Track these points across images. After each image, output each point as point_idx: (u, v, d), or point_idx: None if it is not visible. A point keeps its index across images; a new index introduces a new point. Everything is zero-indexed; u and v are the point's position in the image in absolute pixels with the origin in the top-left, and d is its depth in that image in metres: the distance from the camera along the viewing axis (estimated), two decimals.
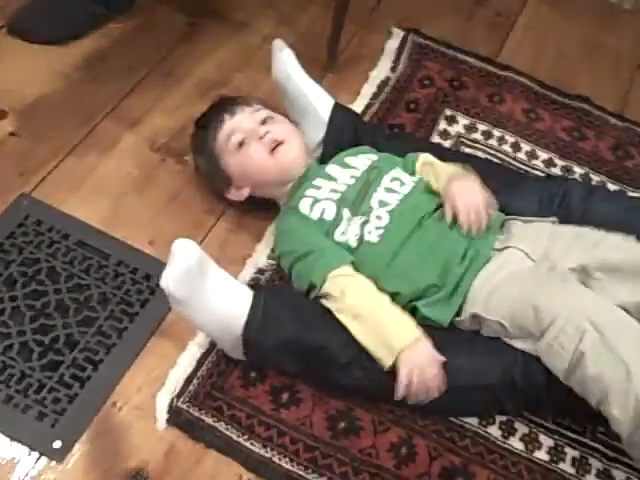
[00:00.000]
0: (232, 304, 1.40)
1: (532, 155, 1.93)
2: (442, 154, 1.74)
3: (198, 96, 1.94)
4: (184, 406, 1.42)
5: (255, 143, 1.61)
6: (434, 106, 2.00)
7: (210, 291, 1.38)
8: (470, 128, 1.97)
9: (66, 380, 1.43)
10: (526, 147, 1.95)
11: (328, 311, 1.44)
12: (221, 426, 1.40)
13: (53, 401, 1.40)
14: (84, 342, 1.48)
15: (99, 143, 1.81)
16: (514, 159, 1.91)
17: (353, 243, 1.53)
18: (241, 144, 1.61)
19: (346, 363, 1.40)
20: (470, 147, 1.92)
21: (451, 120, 1.98)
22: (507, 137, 1.96)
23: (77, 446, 1.37)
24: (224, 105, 1.68)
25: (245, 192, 1.66)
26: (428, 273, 1.48)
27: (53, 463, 1.35)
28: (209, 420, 1.41)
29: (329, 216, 1.55)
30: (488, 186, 1.57)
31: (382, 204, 1.55)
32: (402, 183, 1.60)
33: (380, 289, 1.48)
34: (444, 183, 1.57)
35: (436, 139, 1.93)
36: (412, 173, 1.66)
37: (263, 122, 1.64)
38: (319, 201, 1.57)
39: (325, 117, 1.75)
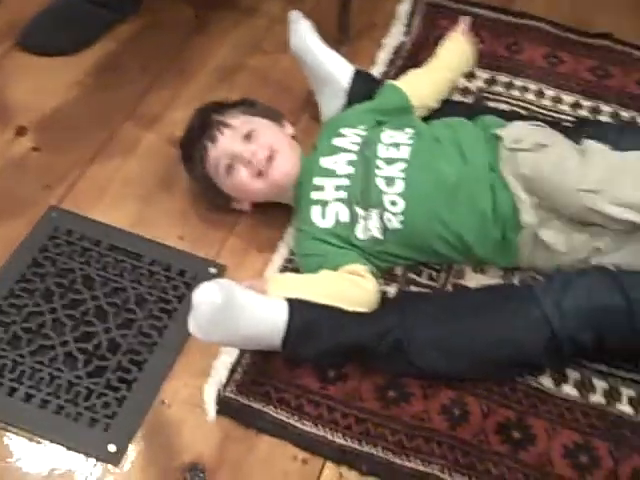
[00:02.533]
0: (267, 325, 1.38)
1: (557, 100, 1.90)
2: (466, 111, 1.72)
3: (213, 87, 1.95)
4: (232, 395, 1.42)
5: (243, 168, 1.56)
6: None
7: (242, 321, 1.35)
8: (491, 81, 1.94)
9: (113, 384, 1.44)
10: (550, 92, 1.91)
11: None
12: (270, 410, 1.40)
13: (103, 406, 1.41)
14: (126, 344, 1.48)
15: (120, 146, 1.82)
16: (539, 107, 1.87)
17: (379, 235, 1.51)
18: (229, 168, 1.57)
19: (386, 353, 1.40)
20: (493, 100, 1.90)
21: (470, 76, 1.94)
22: (530, 85, 1.93)
23: (131, 447, 1.38)
24: (204, 128, 1.60)
25: (246, 205, 1.64)
26: (467, 219, 1.49)
27: (110, 467, 1.36)
28: (258, 406, 1.40)
29: (344, 218, 1.53)
30: None
31: (389, 183, 1.51)
32: (397, 146, 1.56)
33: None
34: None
35: (457, 97, 1.90)
36: (404, 117, 1.65)
37: (247, 137, 1.57)
38: (328, 204, 1.54)
39: (345, 84, 1.74)
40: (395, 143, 1.56)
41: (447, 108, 1.77)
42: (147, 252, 1.61)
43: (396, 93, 1.71)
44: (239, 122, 1.60)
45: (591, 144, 1.49)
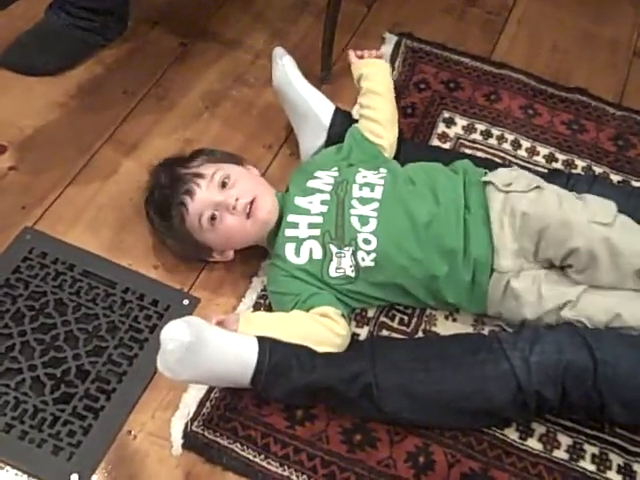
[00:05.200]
0: (236, 364, 1.38)
1: (533, 151, 1.92)
2: (443, 156, 1.75)
3: (193, 117, 1.95)
4: (199, 429, 1.41)
5: (228, 215, 1.54)
6: (431, 109, 2.00)
7: (211, 360, 1.35)
8: (469, 129, 1.96)
9: (79, 412, 1.43)
10: (526, 144, 1.94)
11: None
12: (237, 447, 1.40)
13: (68, 434, 1.40)
14: (95, 372, 1.48)
15: (99, 171, 1.81)
16: (514, 157, 1.90)
17: (351, 274, 1.52)
18: (212, 219, 1.54)
19: (355, 398, 1.40)
20: (470, 148, 1.92)
21: (449, 122, 1.97)
22: (506, 135, 1.95)
23: (94, 478, 1.37)
24: (176, 184, 1.57)
25: (230, 254, 1.63)
26: (436, 258, 1.51)
27: None
28: (224, 442, 1.40)
29: (318, 255, 1.53)
30: None
31: (363, 222, 1.52)
32: (372, 186, 1.57)
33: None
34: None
35: (435, 142, 1.92)
36: (379, 160, 1.68)
37: (223, 185, 1.55)
38: (303, 242, 1.55)
39: (326, 122, 1.76)
40: (369, 183, 1.58)
41: (424, 152, 1.80)
42: (121, 279, 1.61)
43: (367, 146, 1.71)
44: (212, 170, 1.57)
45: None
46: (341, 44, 2.10)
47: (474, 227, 1.51)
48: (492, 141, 1.94)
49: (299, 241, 1.55)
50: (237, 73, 2.06)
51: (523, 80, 2.08)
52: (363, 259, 1.51)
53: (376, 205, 1.54)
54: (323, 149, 1.76)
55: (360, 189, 1.57)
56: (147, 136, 1.90)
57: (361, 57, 1.83)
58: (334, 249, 1.53)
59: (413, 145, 1.87)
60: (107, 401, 1.45)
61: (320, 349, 1.44)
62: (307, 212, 1.58)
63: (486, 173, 1.61)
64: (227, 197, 1.54)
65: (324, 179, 1.63)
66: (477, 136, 1.95)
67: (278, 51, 1.80)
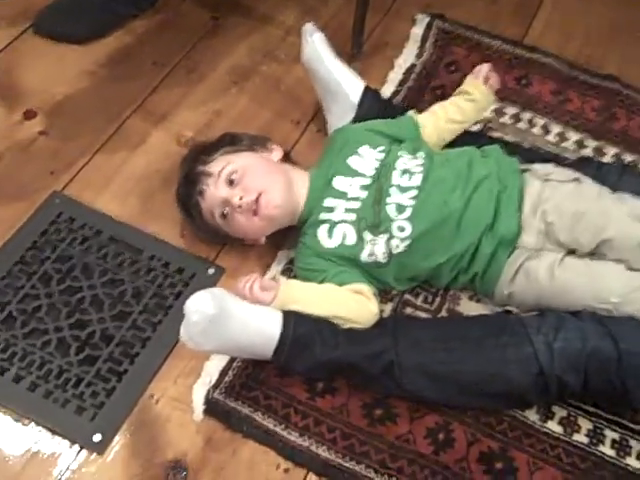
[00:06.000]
0: (259, 337, 1.39)
1: (562, 137, 1.91)
2: (471, 139, 1.75)
3: (223, 90, 1.95)
4: (220, 397, 1.42)
5: (235, 214, 1.53)
6: None
7: (234, 332, 1.36)
8: (498, 112, 1.95)
9: (103, 374, 1.44)
10: (556, 129, 1.93)
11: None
12: (258, 416, 1.41)
13: (91, 395, 1.42)
14: (119, 336, 1.49)
15: (127, 140, 1.82)
16: (544, 141, 1.89)
17: (383, 260, 1.51)
18: (223, 216, 1.54)
19: (377, 375, 1.41)
20: (498, 131, 1.91)
21: None
22: (536, 119, 1.94)
23: (116, 439, 1.38)
24: (191, 184, 1.57)
25: (261, 239, 1.62)
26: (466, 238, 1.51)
27: (93, 456, 1.37)
28: (246, 410, 1.41)
29: (351, 241, 1.52)
30: None
31: (400, 210, 1.51)
32: (411, 174, 1.55)
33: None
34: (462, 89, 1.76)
35: None
36: (416, 143, 1.65)
37: (230, 182, 1.53)
38: (336, 225, 1.54)
39: (355, 100, 1.75)
40: (408, 170, 1.57)
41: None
42: (147, 247, 1.62)
43: (413, 129, 1.70)
44: (220, 166, 1.55)
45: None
46: (372, 23, 2.09)
47: (505, 206, 1.51)
48: (522, 125, 1.93)
49: (333, 223, 1.54)
50: (267, 49, 2.06)
51: (555, 65, 2.06)
52: (397, 246, 1.51)
53: (414, 193, 1.53)
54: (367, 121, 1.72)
55: (401, 176, 1.56)
56: (176, 107, 1.90)
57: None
58: (369, 236, 1.52)
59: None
60: (130, 365, 1.46)
61: (351, 324, 1.45)
62: (344, 196, 1.56)
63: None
64: (232, 196, 1.52)
65: (368, 160, 1.60)
66: (507, 119, 1.94)
67: (308, 27, 1.78)
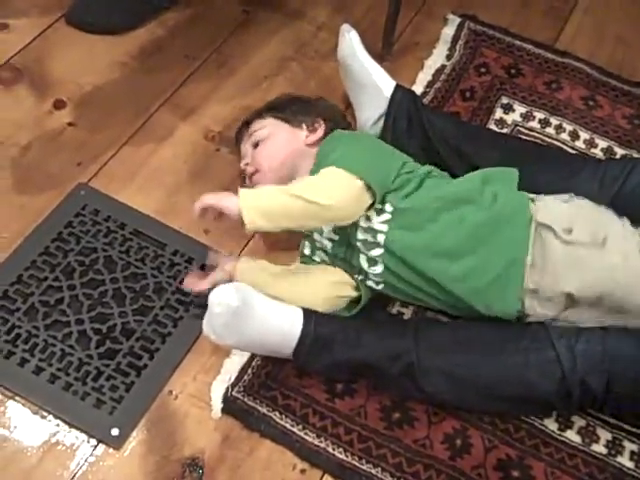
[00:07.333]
0: (280, 334, 1.40)
1: (591, 143, 1.90)
2: (496, 139, 1.76)
3: (252, 85, 1.95)
4: (239, 395, 1.43)
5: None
6: (490, 94, 1.97)
7: (256, 327, 1.37)
8: (527, 116, 1.94)
9: (123, 368, 1.45)
10: (585, 135, 1.91)
11: (372, 327, 1.46)
12: (275, 415, 1.41)
13: (111, 389, 1.42)
14: (140, 331, 1.49)
15: (155, 133, 1.82)
16: (572, 148, 1.88)
17: (376, 287, 1.53)
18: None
19: (396, 376, 1.40)
20: (527, 135, 1.89)
21: (507, 108, 1.95)
22: (565, 125, 1.93)
23: (134, 434, 1.39)
24: (243, 124, 1.71)
25: (320, 132, 1.65)
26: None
27: (111, 450, 1.37)
28: (264, 409, 1.42)
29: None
30: (543, 172, 1.60)
31: (371, 263, 1.49)
32: (374, 233, 1.48)
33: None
34: None
35: (492, 127, 1.91)
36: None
37: (255, 146, 1.64)
38: (315, 251, 1.59)
39: (387, 94, 1.76)
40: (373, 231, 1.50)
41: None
42: (171, 241, 1.62)
43: None
44: (257, 127, 1.65)
45: None
46: (403, 22, 2.09)
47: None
48: (550, 130, 1.91)
49: (312, 242, 1.60)
50: (298, 44, 2.06)
51: (586, 70, 2.04)
52: (375, 284, 1.52)
53: (380, 252, 1.48)
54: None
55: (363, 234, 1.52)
56: (205, 101, 1.90)
57: None
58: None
59: (468, 126, 1.86)
60: (150, 360, 1.46)
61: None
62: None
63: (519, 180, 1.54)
64: (247, 157, 1.64)
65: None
66: (535, 124, 1.93)
67: (346, 27, 1.82)
